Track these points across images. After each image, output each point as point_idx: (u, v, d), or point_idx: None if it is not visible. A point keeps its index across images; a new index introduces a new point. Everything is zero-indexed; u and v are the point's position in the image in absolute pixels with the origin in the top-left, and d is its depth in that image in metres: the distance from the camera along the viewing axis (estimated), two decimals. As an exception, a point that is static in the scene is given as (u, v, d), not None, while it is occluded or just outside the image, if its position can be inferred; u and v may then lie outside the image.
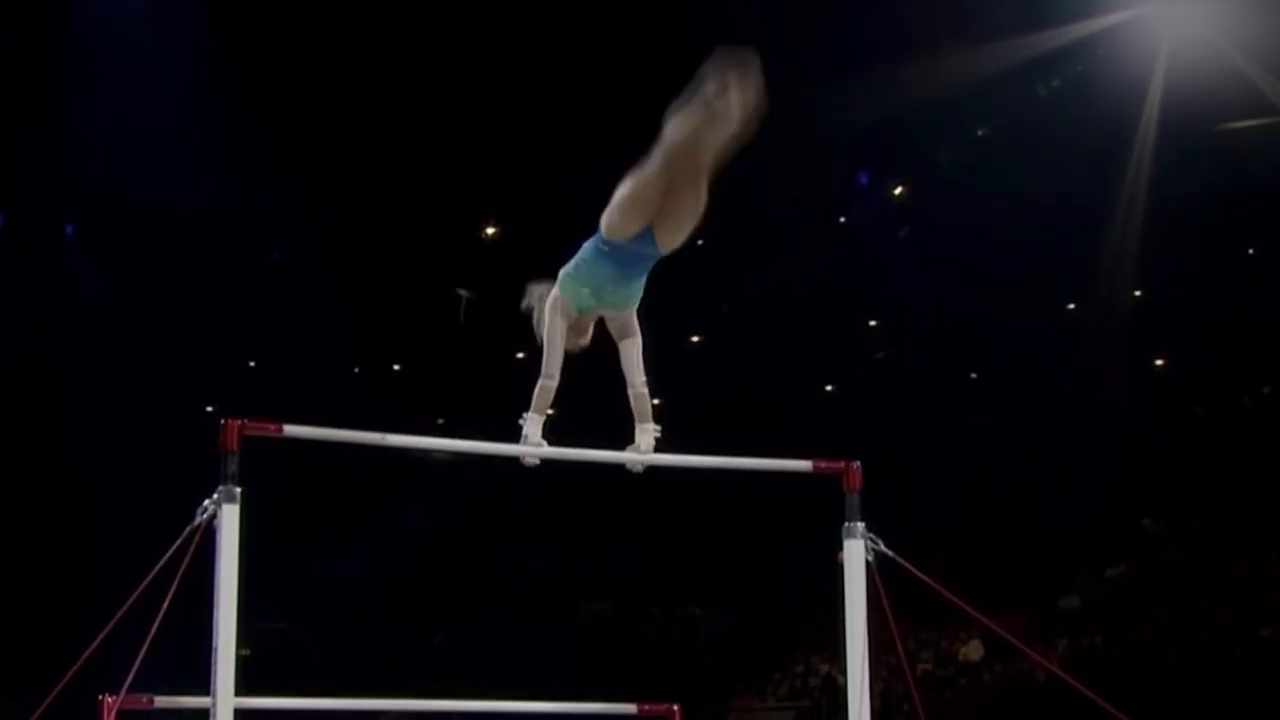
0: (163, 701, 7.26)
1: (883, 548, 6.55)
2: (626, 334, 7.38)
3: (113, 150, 22.24)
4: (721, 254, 26.94)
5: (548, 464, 7.05)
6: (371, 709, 7.55)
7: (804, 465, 6.81)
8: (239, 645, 5.72)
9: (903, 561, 6.50)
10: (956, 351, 27.49)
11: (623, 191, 7.08)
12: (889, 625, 6.52)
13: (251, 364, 27.94)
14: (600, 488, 25.74)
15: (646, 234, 7.10)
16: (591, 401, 7.39)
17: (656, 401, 7.18)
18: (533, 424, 7.17)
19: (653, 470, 7.16)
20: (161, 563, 5.98)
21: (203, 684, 5.74)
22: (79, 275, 25.16)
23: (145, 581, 6.09)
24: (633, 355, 7.37)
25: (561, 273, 7.28)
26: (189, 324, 25.14)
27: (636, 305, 7.32)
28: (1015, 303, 25.58)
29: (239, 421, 5.84)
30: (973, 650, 26.19)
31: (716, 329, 28.58)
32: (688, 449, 7.26)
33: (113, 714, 6.99)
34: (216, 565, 5.68)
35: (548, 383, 7.20)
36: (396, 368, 29.66)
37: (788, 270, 25.95)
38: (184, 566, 5.86)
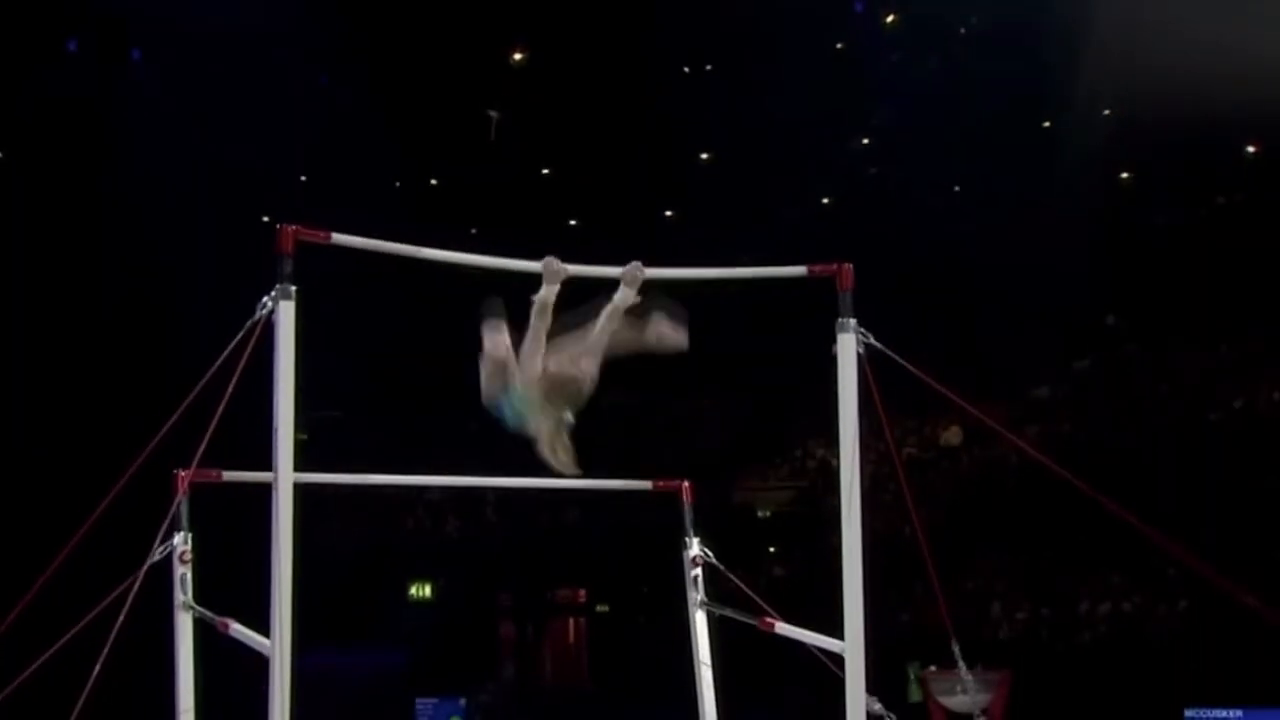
0: (230, 476, 7.36)
1: (873, 341, 6.54)
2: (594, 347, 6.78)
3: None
4: (723, 77, 26.82)
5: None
6: (413, 484, 7.63)
7: (799, 270, 6.77)
8: (297, 430, 5.77)
9: (890, 353, 6.49)
10: (941, 166, 27.31)
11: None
12: (877, 413, 6.54)
13: (303, 179, 27.84)
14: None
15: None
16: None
17: (669, 213, 7.08)
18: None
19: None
20: (226, 352, 6.03)
21: (265, 463, 5.80)
22: (146, 96, 24.97)
23: (213, 368, 6.14)
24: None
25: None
26: (248, 142, 25.03)
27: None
28: (996, 122, 25.41)
29: (292, 228, 5.86)
30: (953, 435, 26.46)
31: (723, 147, 28.39)
32: (696, 260, 7.18)
33: (186, 485, 7.08)
34: (275, 356, 5.72)
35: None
36: (434, 182, 29.57)
37: (788, 92, 25.76)
38: (246, 356, 5.91)
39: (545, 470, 7.26)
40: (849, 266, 6.63)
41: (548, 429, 6.76)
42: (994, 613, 21.96)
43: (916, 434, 26.69)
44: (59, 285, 26.30)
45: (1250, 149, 26.69)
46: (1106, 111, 25.47)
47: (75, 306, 26.24)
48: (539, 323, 6.55)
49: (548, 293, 6.51)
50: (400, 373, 29.35)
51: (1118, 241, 26.80)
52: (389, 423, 27.94)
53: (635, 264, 6.73)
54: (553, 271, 6.48)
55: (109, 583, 6.86)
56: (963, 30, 25.03)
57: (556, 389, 6.70)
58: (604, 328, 6.73)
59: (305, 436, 6.31)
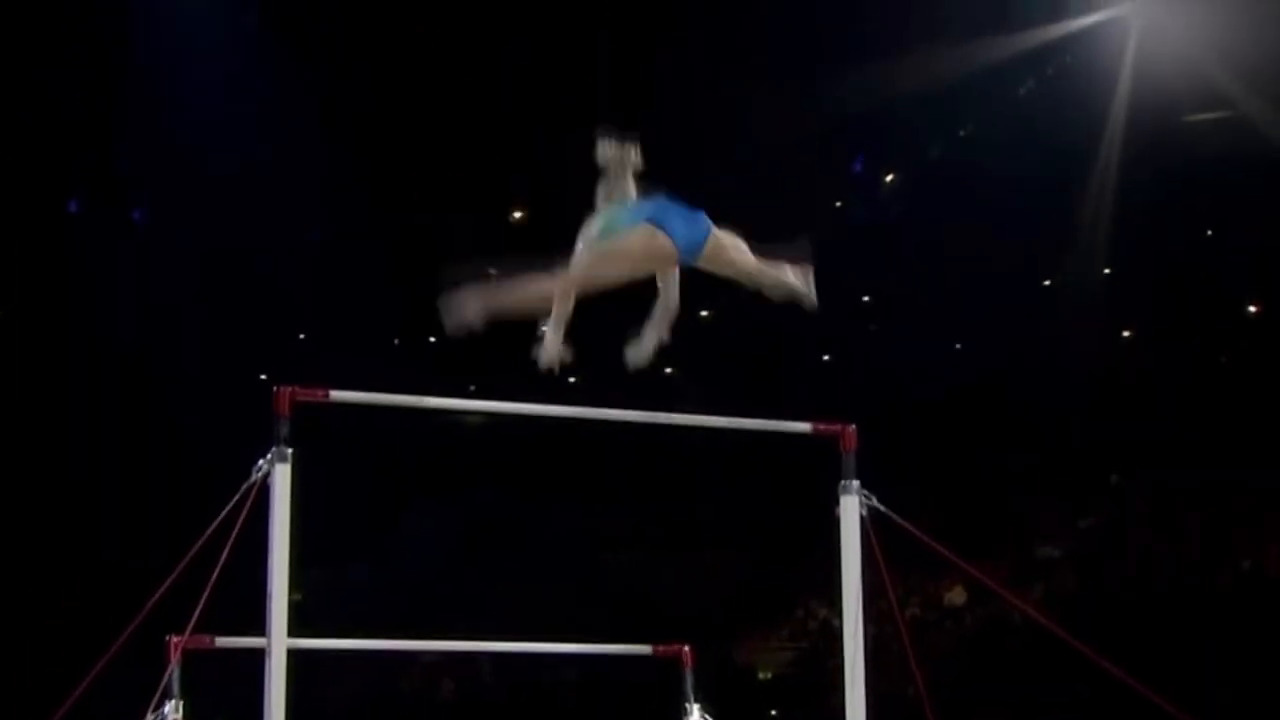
0: (223, 642, 7.31)
1: (875, 503, 6.55)
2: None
3: (176, 136, 22.31)
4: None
5: (575, 426, 6.94)
6: (411, 649, 7.58)
7: (804, 427, 6.80)
8: (291, 590, 5.74)
9: (893, 515, 6.50)
10: (942, 326, 27.47)
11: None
12: (880, 574, 6.53)
13: (301, 336, 27.97)
14: (625, 446, 25.91)
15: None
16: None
17: (669, 370, 7.14)
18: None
19: (673, 433, 7.09)
20: (221, 516, 6.02)
21: (259, 626, 5.76)
22: (147, 257, 25.22)
23: (207, 532, 6.13)
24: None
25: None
26: (244, 298, 25.23)
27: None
28: (995, 280, 25.59)
29: (290, 388, 5.87)
30: (956, 595, 26.23)
31: (723, 303, 28.52)
32: (706, 406, 7.20)
33: (178, 652, 7.03)
34: (271, 520, 5.70)
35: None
36: (432, 340, 29.68)
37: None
38: (241, 520, 5.90)
39: (541, 631, 7.21)
40: (852, 428, 6.67)
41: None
42: (1001, 775, 21.64)
43: (920, 593, 26.47)
44: (53, 442, 26.31)
45: (1251, 309, 26.87)
46: (1107, 270, 25.67)
47: (68, 465, 26.22)
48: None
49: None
50: (398, 528, 29.26)
51: (1121, 398, 26.87)
52: (387, 580, 27.78)
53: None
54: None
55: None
56: (962, 186, 25.29)
57: None
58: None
59: (300, 597, 6.28)
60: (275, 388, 5.83)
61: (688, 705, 7.96)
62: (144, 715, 6.99)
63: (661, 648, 8.23)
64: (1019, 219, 24.22)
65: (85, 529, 25.83)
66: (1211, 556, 23.85)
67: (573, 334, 6.86)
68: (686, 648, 8.13)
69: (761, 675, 28.15)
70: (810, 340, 28.87)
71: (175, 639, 7.00)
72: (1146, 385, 27.79)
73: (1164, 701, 6.86)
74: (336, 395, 5.99)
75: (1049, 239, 24.87)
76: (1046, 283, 26.87)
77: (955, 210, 25.29)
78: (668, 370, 30.07)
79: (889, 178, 25.96)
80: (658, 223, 6.51)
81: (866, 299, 28.61)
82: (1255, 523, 24.30)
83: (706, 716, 7.94)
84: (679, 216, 6.58)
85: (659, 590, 29.33)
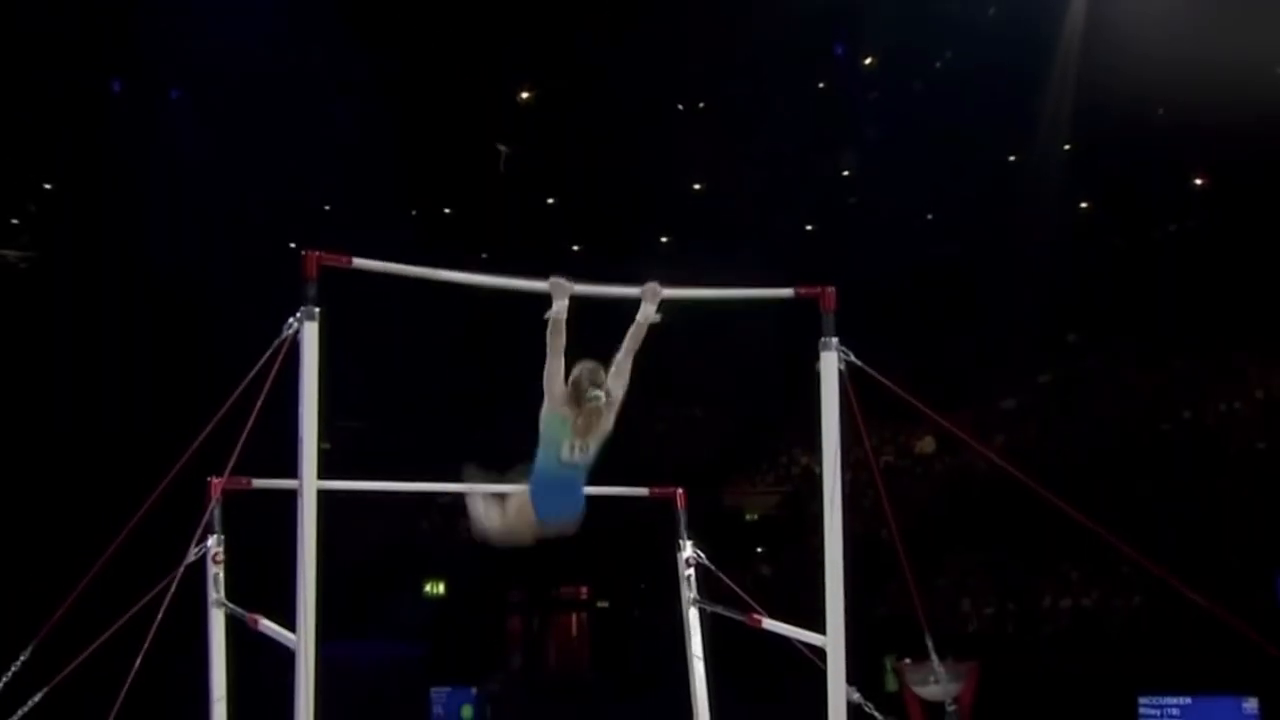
0: (259, 483, 7.35)
1: (853, 358, 6.55)
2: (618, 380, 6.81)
3: (210, 20, 22.07)
4: (715, 114, 26.84)
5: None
6: (429, 490, 7.62)
7: (786, 292, 6.78)
8: (320, 440, 5.75)
9: (869, 370, 6.50)
10: (916, 194, 27.34)
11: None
12: (857, 424, 6.55)
13: (326, 208, 27.85)
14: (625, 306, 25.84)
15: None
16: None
17: (665, 239, 7.06)
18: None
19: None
20: (255, 369, 6.03)
21: (292, 469, 5.79)
22: (183, 134, 25.01)
23: (243, 384, 6.14)
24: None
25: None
26: (276, 173, 25.10)
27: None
28: (965, 156, 25.43)
29: (316, 254, 5.84)
30: (926, 445, 26.40)
31: (715, 177, 28.41)
32: (691, 283, 7.16)
33: (219, 492, 7.08)
34: (300, 373, 5.70)
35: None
36: (448, 211, 29.57)
37: (774, 127, 25.80)
38: (273, 373, 5.90)
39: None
40: (832, 290, 6.64)
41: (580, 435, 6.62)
42: (964, 608, 21.92)
43: (893, 443, 26.64)
44: (102, 309, 26.32)
45: (1198, 181, 26.72)
46: (1067, 146, 25.50)
47: (116, 327, 26.25)
48: (555, 339, 6.48)
49: (559, 308, 6.44)
50: (416, 387, 29.33)
51: (1078, 264, 26.83)
52: (405, 433, 27.93)
53: (653, 283, 6.71)
54: (560, 287, 6.42)
55: (148, 581, 6.87)
56: (937, 66, 25.02)
57: (590, 420, 6.62)
58: (629, 348, 6.73)
59: (328, 446, 6.30)
60: (303, 253, 5.82)
61: (681, 542, 8.05)
62: (189, 549, 7.07)
63: (657, 490, 8.30)
64: (989, 101, 24.04)
65: (130, 384, 25.90)
66: (1156, 409, 23.97)
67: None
68: (680, 490, 8.21)
69: (749, 517, 28.42)
70: (795, 211, 28.77)
71: (216, 480, 7.06)
72: (1101, 254, 27.77)
73: (1117, 541, 6.91)
74: (358, 262, 5.97)
75: (1017, 118, 24.67)
76: (1012, 159, 26.70)
77: (929, 95, 25.09)
78: (663, 240, 30.07)
79: (868, 61, 25.70)
80: (533, 497, 6.62)
81: (846, 174, 28.47)
82: (1195, 379, 24.41)
83: (698, 552, 8.02)
84: (557, 498, 6.62)
85: (654, 439, 29.50)
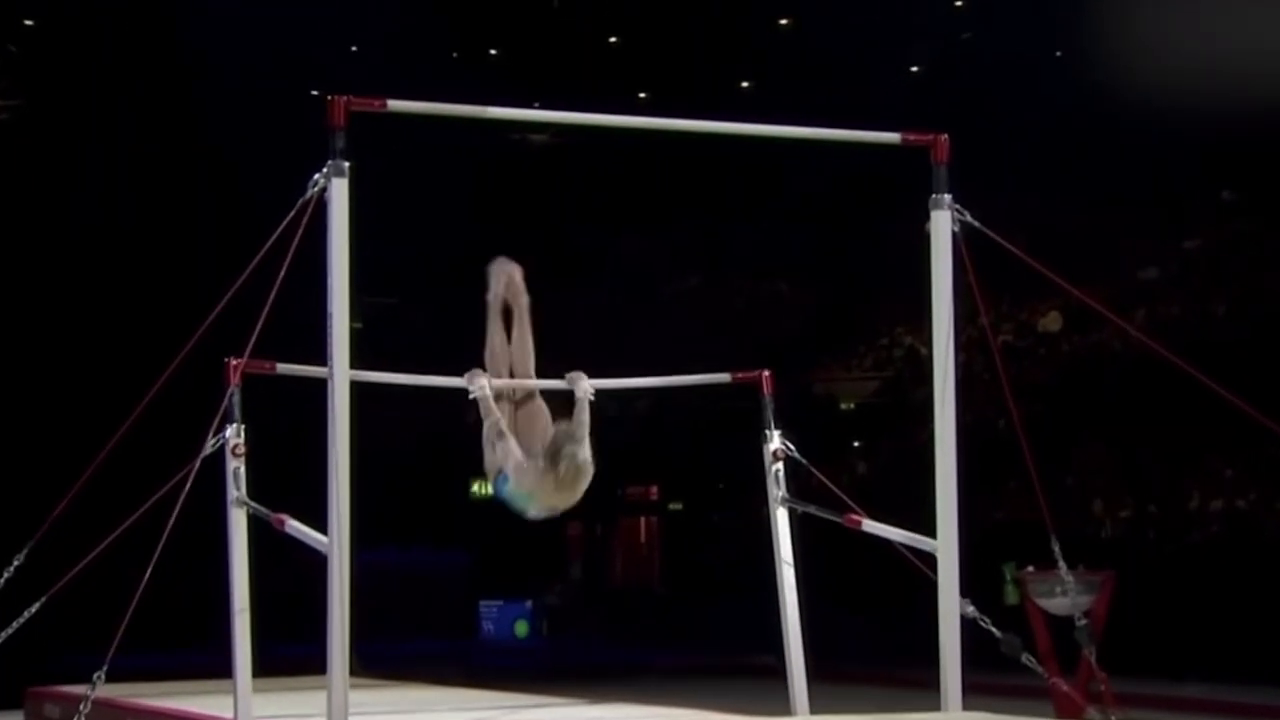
0: (284, 369, 7.42)
1: (969, 219, 6.50)
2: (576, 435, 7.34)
3: None
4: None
5: (644, 143, 6.92)
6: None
7: (892, 137, 6.71)
8: (352, 319, 5.78)
9: (988, 231, 6.45)
10: (1041, 30, 26.91)
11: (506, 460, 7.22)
12: (973, 296, 6.50)
13: (354, 49, 27.80)
14: (695, 160, 25.73)
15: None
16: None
17: (745, 84, 7.03)
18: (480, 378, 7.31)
19: (747, 144, 7.03)
20: (276, 234, 6.03)
21: (321, 353, 5.82)
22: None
23: (261, 251, 6.16)
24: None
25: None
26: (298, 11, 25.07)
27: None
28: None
29: (344, 98, 5.83)
30: (1052, 321, 26.23)
31: (804, 10, 28.09)
32: (780, 118, 7.07)
33: (238, 375, 7.14)
34: (329, 236, 5.71)
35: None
36: (493, 52, 29.43)
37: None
38: (298, 237, 5.91)
39: (618, 359, 7.27)
40: (945, 138, 6.59)
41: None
42: (1096, 510, 21.89)
43: (1013, 319, 26.49)
44: (96, 169, 26.48)
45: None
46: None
47: (113, 188, 26.43)
48: (489, 420, 7.17)
49: (481, 386, 7.16)
50: (461, 256, 29.43)
51: (1232, 105, 26.30)
52: (449, 310, 28.08)
53: (578, 374, 7.48)
54: (501, 269, 7.39)
55: (164, 473, 6.96)
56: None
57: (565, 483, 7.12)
58: (583, 422, 7.25)
59: (360, 325, 6.34)
60: (329, 98, 5.80)
61: (768, 432, 8.01)
62: (205, 439, 7.14)
63: (740, 374, 8.29)
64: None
65: (140, 253, 26.12)
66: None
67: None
68: (766, 373, 8.18)
69: (844, 405, 28.45)
70: (900, 50, 28.43)
71: (234, 361, 7.10)
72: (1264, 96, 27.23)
73: (1276, 425, 6.83)
74: (394, 105, 5.95)
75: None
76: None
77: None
78: (744, 84, 29.85)
79: None
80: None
81: (960, 3, 28.06)
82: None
83: (787, 443, 7.98)
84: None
85: (732, 317, 29.50)
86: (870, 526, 7.37)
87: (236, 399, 7.22)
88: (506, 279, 7.50)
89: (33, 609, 7.02)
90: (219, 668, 8.08)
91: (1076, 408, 23.13)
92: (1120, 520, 21.58)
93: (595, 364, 7.69)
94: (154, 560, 6.32)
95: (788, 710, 7.74)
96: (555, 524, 28.63)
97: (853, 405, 28.46)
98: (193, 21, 25.07)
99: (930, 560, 6.58)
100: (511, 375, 7.46)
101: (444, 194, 28.14)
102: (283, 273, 5.96)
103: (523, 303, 7.54)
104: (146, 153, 26.50)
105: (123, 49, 25.77)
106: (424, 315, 28.06)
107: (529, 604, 24.35)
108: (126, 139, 26.42)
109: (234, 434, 7.26)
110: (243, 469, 7.29)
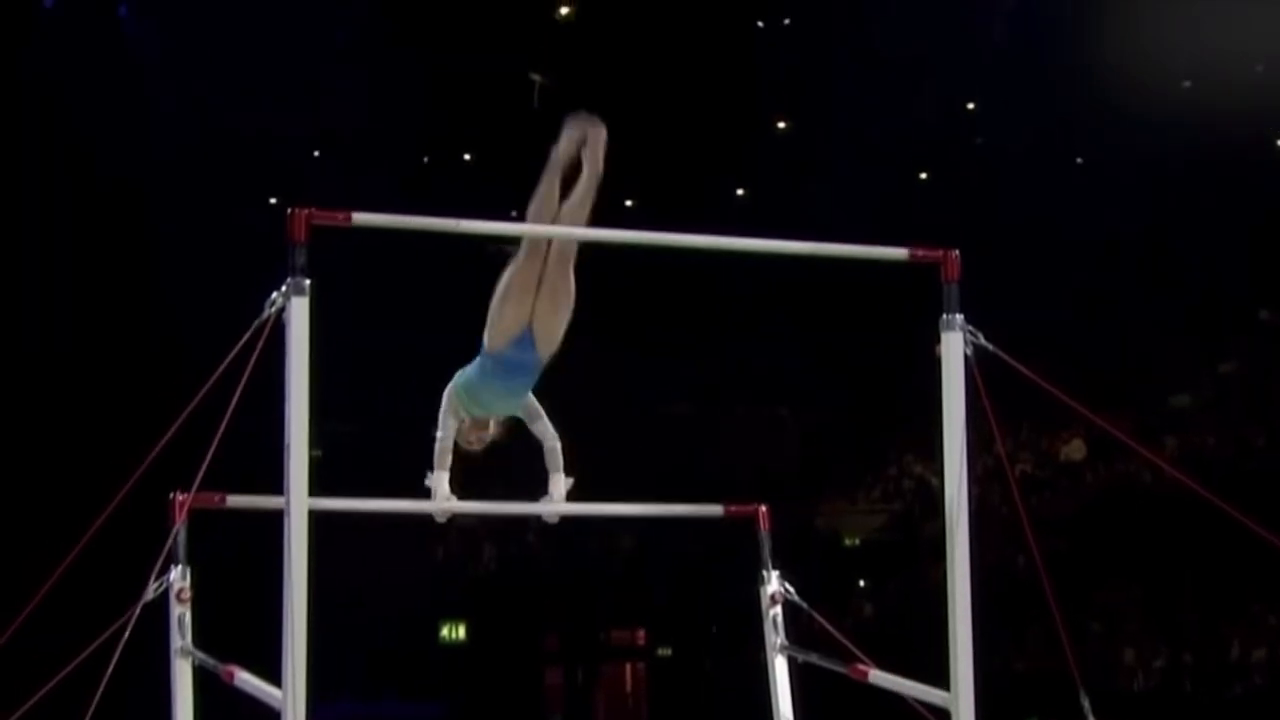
0: (235, 501, 7.39)
1: (982, 341, 6.53)
2: (531, 418, 7.74)
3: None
4: (802, 30, 26.78)
5: (629, 256, 7.05)
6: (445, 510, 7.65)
7: (898, 253, 6.75)
8: (311, 446, 5.77)
9: (1004, 355, 6.48)
10: (1062, 135, 27.18)
11: (497, 291, 7.56)
12: (988, 423, 6.52)
13: (316, 154, 27.99)
14: (684, 274, 25.82)
15: (525, 338, 7.53)
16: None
17: (740, 192, 7.10)
18: (437, 480, 7.50)
19: (740, 262, 7.14)
20: (229, 359, 6.04)
21: (274, 485, 5.81)
22: (136, 54, 25.17)
23: (212, 378, 6.15)
24: (542, 428, 7.76)
25: (455, 379, 7.64)
26: (251, 108, 25.21)
27: (528, 398, 7.70)
28: (1126, 84, 25.22)
29: (306, 211, 5.85)
30: (1075, 450, 26.26)
31: (803, 113, 28.37)
32: (773, 230, 7.14)
33: (184, 512, 7.11)
34: (288, 361, 5.71)
35: (443, 442, 7.57)
36: (468, 158, 29.65)
37: (879, 46, 25.72)
38: (252, 362, 5.92)
39: (598, 491, 7.26)
40: (955, 254, 6.62)
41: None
42: (1126, 659, 21.84)
43: (1032, 448, 26.56)
44: (40, 280, 26.51)
45: None
46: (1260, 67, 25.23)
47: (60, 307, 26.44)
48: (551, 178, 7.55)
49: (567, 146, 7.53)
50: (425, 381, 29.48)
51: (1271, 220, 26.54)
52: (412, 437, 28.08)
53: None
54: (584, 122, 7.52)
55: (103, 620, 6.91)
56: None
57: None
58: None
59: (320, 453, 6.34)
60: (290, 210, 5.83)
61: (765, 573, 7.99)
62: (147, 583, 7.10)
63: (734, 508, 8.28)
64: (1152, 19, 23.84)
65: (78, 378, 26.10)
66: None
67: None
68: (763, 508, 8.18)
69: (848, 541, 28.41)
70: (907, 155, 28.69)
71: (180, 496, 7.07)
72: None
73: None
74: (360, 219, 5.96)
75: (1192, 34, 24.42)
76: (1187, 84, 26.47)
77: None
78: (739, 192, 30.05)
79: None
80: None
81: (971, 106, 28.35)
82: None
83: (786, 585, 7.97)
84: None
85: (727, 445, 29.52)
86: (878, 678, 7.34)
87: (182, 538, 7.19)
88: (586, 137, 7.55)
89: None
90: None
91: (1103, 545, 23.13)
92: (1154, 671, 21.53)
93: (575, 491, 7.69)
94: (89, 717, 6.27)
95: None
96: (533, 672, 28.62)
97: (858, 541, 28.43)
98: (132, 127, 25.28)
99: (944, 715, 6.55)
100: (549, 245, 7.58)
101: (414, 306, 28.24)
102: (234, 401, 5.95)
103: (598, 167, 7.56)
104: (87, 271, 26.54)
105: (59, 161, 25.89)
106: (389, 441, 28.03)
107: (503, 761, 24.16)
108: (63, 255, 26.46)
109: (179, 577, 7.21)
110: (188, 615, 7.23)
